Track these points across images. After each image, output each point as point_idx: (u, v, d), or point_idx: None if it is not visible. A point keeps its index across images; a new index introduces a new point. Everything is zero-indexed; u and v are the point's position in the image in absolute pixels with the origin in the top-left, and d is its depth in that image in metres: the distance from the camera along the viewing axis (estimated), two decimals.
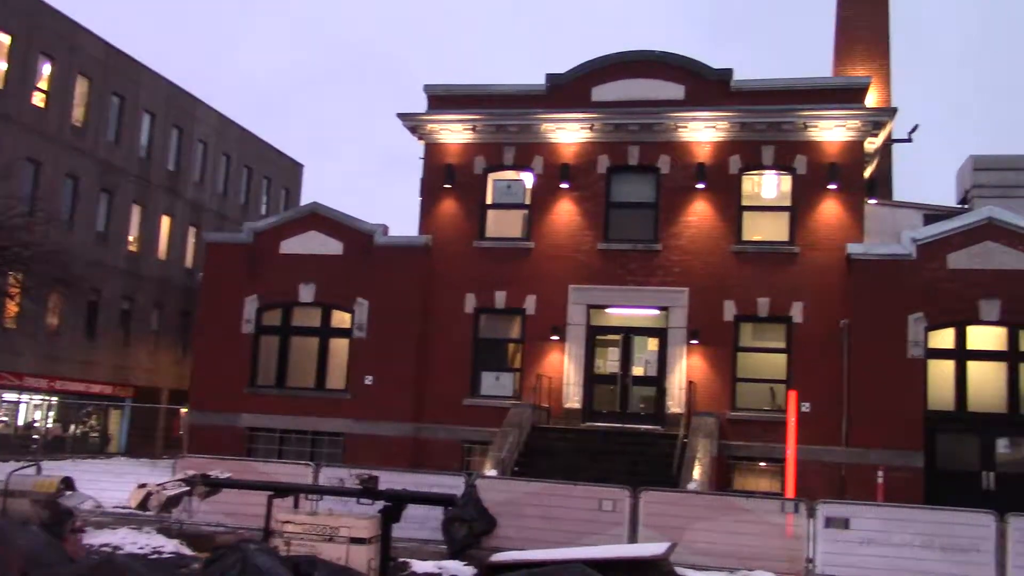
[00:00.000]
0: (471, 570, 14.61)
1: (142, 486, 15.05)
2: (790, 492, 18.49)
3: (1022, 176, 28.06)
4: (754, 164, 25.10)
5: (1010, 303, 22.27)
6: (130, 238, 38.64)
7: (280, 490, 14.89)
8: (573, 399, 24.87)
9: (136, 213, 38.84)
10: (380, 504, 14.54)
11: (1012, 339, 22.52)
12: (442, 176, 26.52)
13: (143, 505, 14.79)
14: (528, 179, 26.47)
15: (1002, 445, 22.06)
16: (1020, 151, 43.34)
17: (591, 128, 25.81)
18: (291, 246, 26.97)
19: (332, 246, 26.71)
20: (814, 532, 15.28)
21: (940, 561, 14.77)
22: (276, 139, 52.46)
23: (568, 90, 26.27)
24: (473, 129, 26.53)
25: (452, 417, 25.11)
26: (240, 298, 26.94)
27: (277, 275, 26.80)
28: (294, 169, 51.71)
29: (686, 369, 24.35)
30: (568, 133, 26.00)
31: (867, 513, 15.47)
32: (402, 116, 27.06)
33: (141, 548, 14.93)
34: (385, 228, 26.68)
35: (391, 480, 15.64)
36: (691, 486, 19.62)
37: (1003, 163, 27.58)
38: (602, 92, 26.13)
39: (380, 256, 26.35)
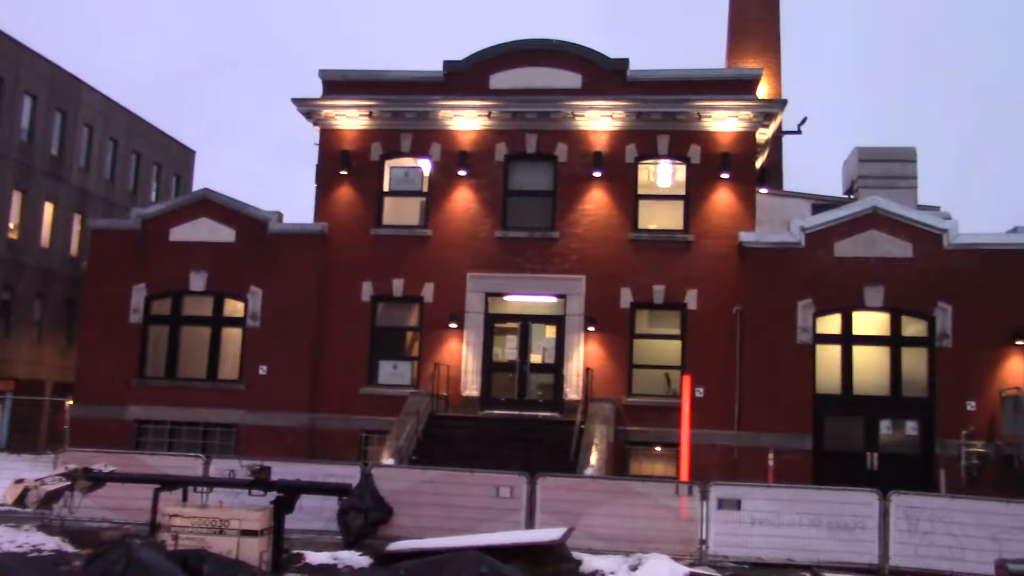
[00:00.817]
0: (367, 560, 14.43)
1: (19, 481, 14.39)
2: (684, 475, 18.81)
3: (905, 167, 29.09)
4: (650, 153, 25.39)
5: (893, 289, 23.05)
6: (10, 225, 37.04)
7: (167, 483, 14.44)
8: (471, 387, 24.80)
9: (17, 199, 37.25)
10: (273, 495, 14.25)
11: (895, 324, 23.31)
12: (338, 163, 26.10)
13: (20, 501, 14.15)
14: (426, 166, 26.25)
15: (885, 426, 22.84)
16: (904, 143, 45.10)
17: (489, 116, 25.73)
18: (181, 233, 26.19)
19: (224, 233, 26.03)
20: (707, 514, 15.55)
21: (827, 539, 15.21)
22: (168, 125, 50.96)
23: (466, 77, 26.13)
24: (370, 115, 26.17)
25: (349, 407, 24.78)
26: (127, 287, 26.06)
27: (166, 263, 26.00)
28: (186, 155, 50.31)
29: (583, 356, 24.53)
30: (466, 120, 25.87)
31: (758, 494, 15.81)
32: (297, 101, 26.53)
33: (19, 546, 14.29)
34: (279, 215, 26.13)
35: (284, 470, 15.33)
36: (588, 471, 19.78)
37: (887, 155, 28.52)
38: (500, 80, 26.07)
39: (274, 244, 25.81)
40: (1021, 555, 13.61)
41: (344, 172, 26.04)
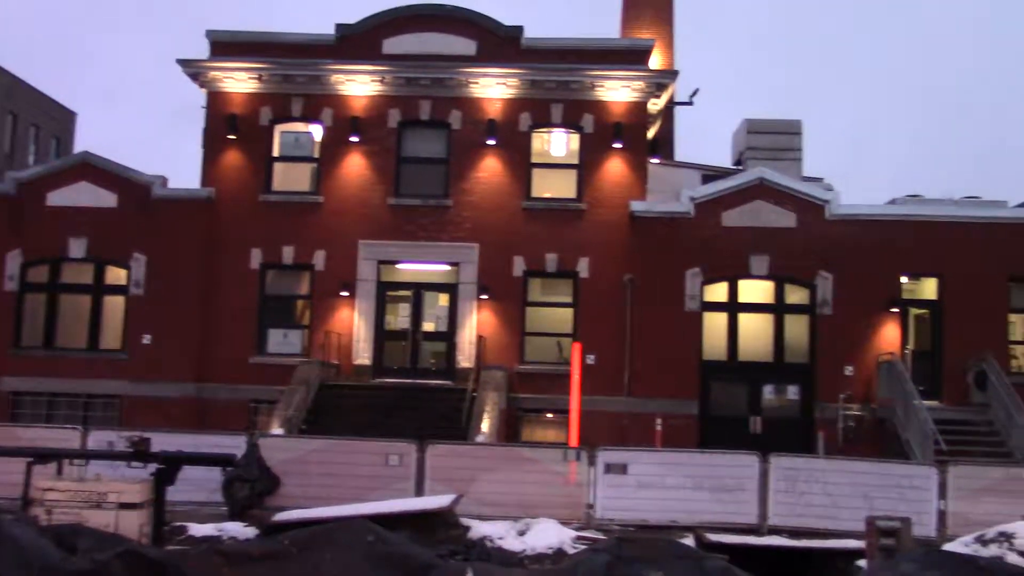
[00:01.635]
0: (252, 531, 14.24)
1: None
2: (574, 441, 19.03)
3: (791, 139, 29.76)
4: (543, 122, 25.41)
5: (777, 259, 23.67)
6: None
7: (41, 455, 13.93)
8: (363, 355, 24.59)
9: None
10: (154, 467, 13.90)
11: (779, 292, 23.98)
12: (226, 127, 25.38)
13: None
14: (317, 131, 25.76)
15: (768, 391, 23.55)
16: (797, 116, 46.24)
17: (382, 81, 25.36)
18: (60, 198, 25.15)
19: (105, 198, 25.11)
20: (595, 479, 15.81)
21: (710, 501, 15.65)
22: (48, 86, 48.77)
23: (358, 41, 25.66)
24: (259, 78, 25.51)
25: (238, 376, 24.28)
26: (1, 253, 24.96)
27: (44, 229, 24.95)
28: (66, 117, 48.28)
29: (476, 324, 24.55)
30: (358, 86, 25.45)
31: (644, 459, 16.15)
32: (182, 62, 25.67)
33: None
34: (164, 180, 25.33)
35: (167, 442, 14.95)
36: (479, 438, 19.87)
37: (774, 127, 29.15)
38: (393, 45, 25.69)
39: (159, 209, 25.01)
40: (890, 512, 14.22)
41: (232, 136, 25.36)
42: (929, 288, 24.04)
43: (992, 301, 23.35)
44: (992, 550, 13.51)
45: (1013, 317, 23.79)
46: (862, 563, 13.42)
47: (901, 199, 26.27)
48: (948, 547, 13.47)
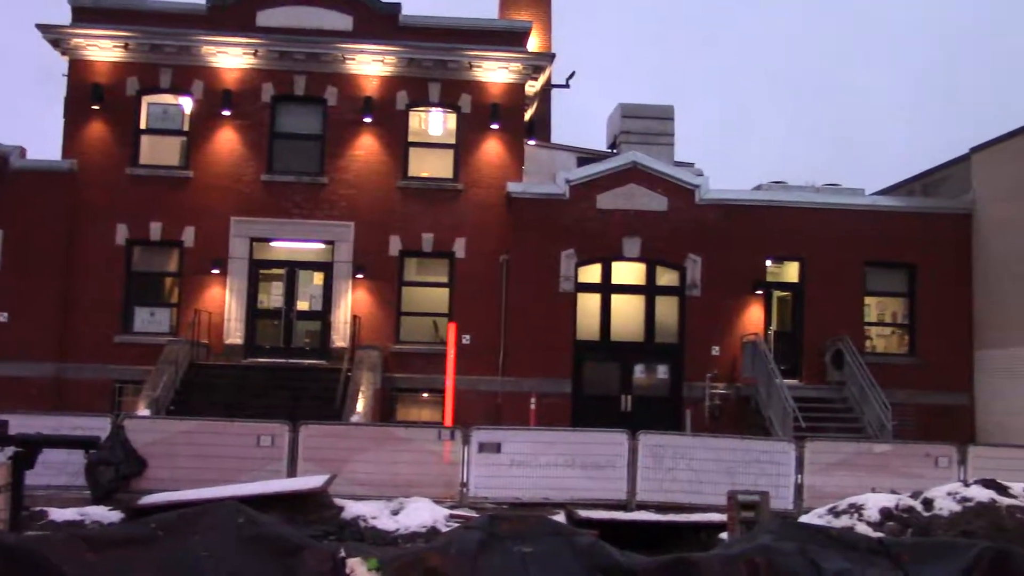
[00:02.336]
0: (117, 514, 13.85)
1: None
2: (448, 421, 19.16)
3: (664, 124, 30.41)
4: (421, 100, 25.32)
5: (649, 241, 24.24)
6: None
7: None
8: (235, 335, 24.12)
9: None
10: (11, 451, 13.33)
11: (650, 274, 24.58)
12: (90, 96, 24.38)
13: None
14: (187, 104, 25.01)
15: (639, 370, 24.19)
16: (669, 100, 47.05)
17: (255, 54, 24.79)
18: None
19: None
20: (469, 457, 15.95)
21: (580, 477, 15.98)
22: None
23: (231, 12, 24.98)
24: (125, 47, 24.57)
25: (102, 355, 23.48)
26: None
27: None
28: None
29: (351, 303, 24.37)
30: (231, 58, 24.81)
31: (517, 437, 16.36)
32: (42, 27, 24.51)
33: None
34: (22, 150, 24.20)
35: (25, 424, 14.31)
36: (354, 418, 19.78)
37: (648, 112, 29.70)
38: (268, 17, 25.12)
39: (17, 181, 23.88)
40: (751, 486, 14.83)
41: (96, 107, 24.39)
42: (791, 271, 25.05)
43: (849, 284, 24.51)
44: (843, 521, 14.24)
45: (868, 300, 25.02)
46: (724, 536, 13.97)
47: (767, 185, 27.22)
48: (803, 519, 14.14)
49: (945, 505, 14.50)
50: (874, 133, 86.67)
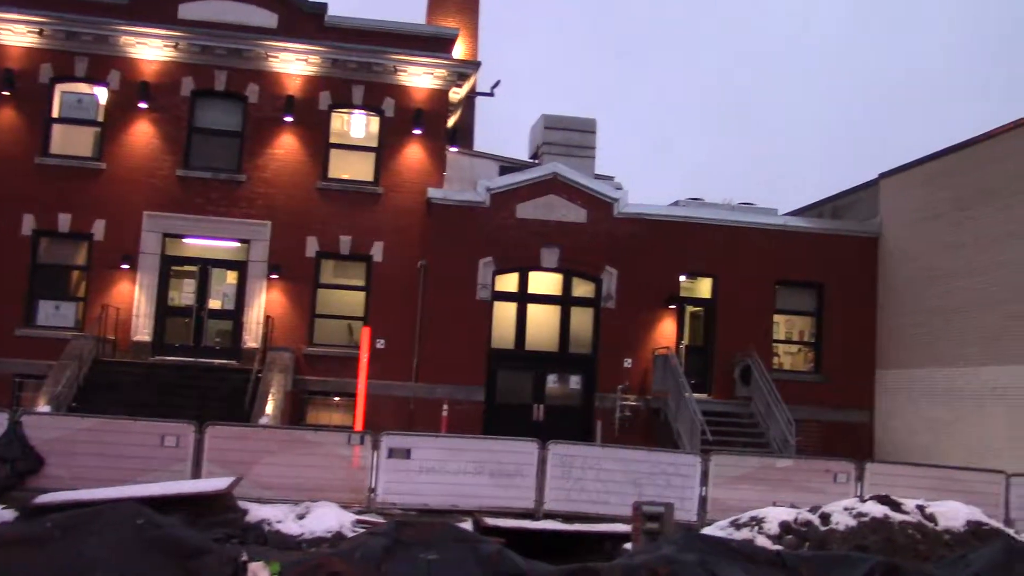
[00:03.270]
0: (11, 513, 13.44)
1: None
2: (359, 425, 19.03)
3: (586, 137, 30.74)
4: (344, 102, 25.15)
5: (567, 252, 24.47)
6: None
7: None
8: (143, 331, 23.59)
9: None
10: None
11: (567, 285, 24.81)
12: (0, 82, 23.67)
13: None
14: (102, 94, 24.41)
15: (552, 380, 24.36)
16: (596, 112, 47.46)
17: (176, 47, 24.34)
18: None
19: None
20: (378, 463, 15.86)
21: (489, 485, 16.02)
22: None
23: (152, 3, 24.41)
24: (40, 33, 23.89)
25: (2, 349, 22.72)
26: None
27: None
28: None
29: (265, 304, 24.05)
30: (150, 50, 24.31)
31: (427, 444, 16.33)
32: None
33: None
34: None
35: None
36: (262, 420, 19.53)
37: (570, 124, 29.96)
38: (190, 10, 24.65)
39: None
40: (657, 497, 15.05)
41: (6, 93, 23.66)
42: (705, 287, 25.54)
43: (760, 302, 25.08)
44: (745, 533, 14.56)
45: (777, 318, 25.64)
46: (628, 546, 14.17)
47: (684, 201, 27.70)
48: (706, 530, 14.41)
49: (842, 520, 14.92)
50: (798, 154, 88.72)
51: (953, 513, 15.08)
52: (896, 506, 15.09)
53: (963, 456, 20.46)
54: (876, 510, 15.01)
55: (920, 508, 15.10)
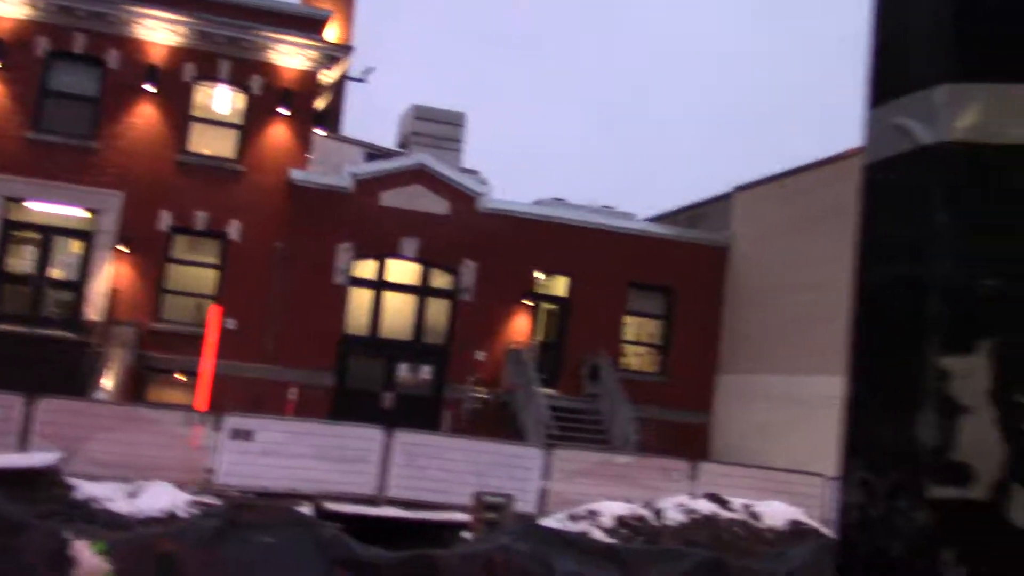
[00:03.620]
0: None
1: None
2: (202, 405, 18.65)
3: (455, 130, 30.94)
4: (209, 76, 24.52)
5: (427, 243, 24.54)
6: None
7: None
8: None
9: None
10: None
11: (425, 275, 24.89)
12: None
13: None
14: None
15: (404, 369, 24.40)
16: (471, 106, 47.70)
17: (32, 5, 23.24)
18: None
19: None
20: (219, 444, 15.62)
21: (332, 471, 15.99)
22: None
23: None
24: None
25: None
26: None
27: None
28: None
29: (111, 276, 23.24)
30: (4, 5, 23.14)
31: (272, 427, 16.19)
32: None
33: None
34: None
35: None
36: (99, 395, 18.90)
37: (440, 116, 30.12)
38: None
39: None
40: (499, 489, 15.34)
41: None
42: (560, 286, 26.03)
43: (612, 303, 25.73)
44: (581, 526, 15.03)
45: (628, 319, 26.35)
46: (468, 535, 14.39)
47: (547, 200, 28.17)
48: (544, 522, 14.78)
49: (674, 515, 15.57)
50: (679, 153, 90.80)
51: (776, 512, 15.93)
52: (724, 504, 15.82)
53: (793, 459, 21.51)
54: (706, 507, 15.71)
55: (746, 506, 15.87)
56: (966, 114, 0.93)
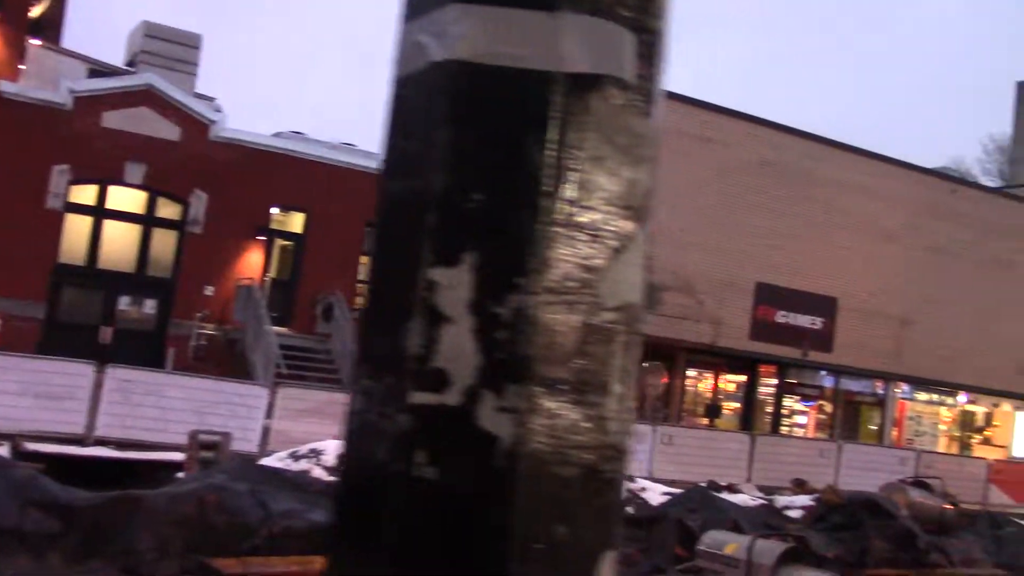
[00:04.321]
0: None
1: None
2: None
3: (189, 52, 29.32)
4: None
5: (155, 170, 23.23)
6: None
7: None
8: None
9: None
10: None
11: (151, 204, 23.61)
12: None
13: None
14: None
15: (124, 302, 23.12)
16: (199, 28, 44.98)
17: None
18: None
19: None
20: None
21: (35, 408, 14.97)
22: None
23: None
24: None
25: None
26: None
27: None
28: None
29: None
30: None
31: None
32: None
33: None
34: None
35: None
36: None
37: (173, 35, 28.44)
38: None
39: None
40: (220, 428, 14.94)
41: None
42: (297, 222, 25.49)
43: (349, 242, 25.46)
44: (302, 464, 14.92)
45: (364, 259, 26.22)
46: (182, 475, 13.94)
47: (287, 133, 27.39)
48: (265, 461, 14.58)
49: None
50: None
51: None
52: None
53: None
54: None
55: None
56: (470, 34, 0.96)
